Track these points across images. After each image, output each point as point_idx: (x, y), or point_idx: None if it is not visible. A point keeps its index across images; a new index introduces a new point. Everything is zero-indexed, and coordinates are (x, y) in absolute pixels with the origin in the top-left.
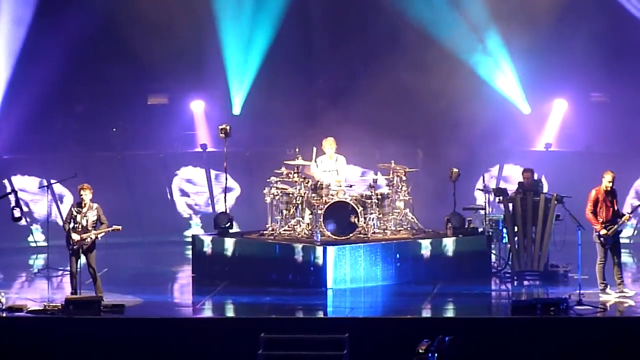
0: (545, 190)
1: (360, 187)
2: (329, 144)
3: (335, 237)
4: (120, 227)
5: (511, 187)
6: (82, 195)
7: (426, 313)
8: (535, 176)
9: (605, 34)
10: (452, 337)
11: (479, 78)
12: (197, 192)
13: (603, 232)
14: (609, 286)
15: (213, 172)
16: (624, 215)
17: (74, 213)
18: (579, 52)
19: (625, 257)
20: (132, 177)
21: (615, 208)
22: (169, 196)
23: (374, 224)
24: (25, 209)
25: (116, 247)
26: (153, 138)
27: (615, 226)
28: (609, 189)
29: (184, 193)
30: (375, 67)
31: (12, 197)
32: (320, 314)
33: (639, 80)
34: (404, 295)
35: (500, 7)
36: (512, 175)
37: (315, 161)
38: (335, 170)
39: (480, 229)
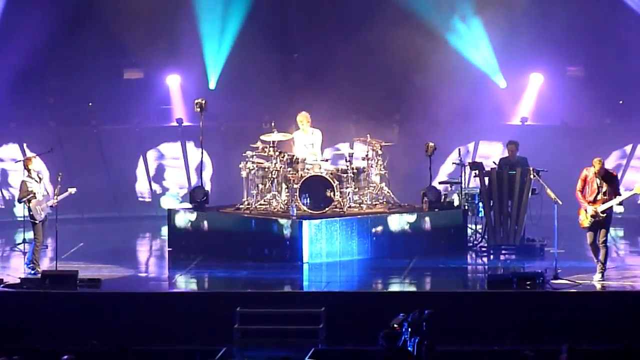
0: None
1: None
2: (302, 119)
3: (311, 212)
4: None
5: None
6: (31, 165)
7: (402, 287)
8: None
9: (582, 7)
10: (428, 311)
11: (454, 52)
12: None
13: (589, 209)
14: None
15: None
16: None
17: (34, 185)
18: (555, 25)
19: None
20: (107, 151)
21: (604, 190)
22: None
23: (349, 198)
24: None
25: (91, 222)
26: (129, 112)
27: (603, 206)
28: (597, 174)
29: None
30: (351, 42)
31: None
32: (297, 288)
33: (616, 54)
34: (379, 270)
35: None
36: (488, 149)
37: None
38: (312, 144)
39: (456, 203)
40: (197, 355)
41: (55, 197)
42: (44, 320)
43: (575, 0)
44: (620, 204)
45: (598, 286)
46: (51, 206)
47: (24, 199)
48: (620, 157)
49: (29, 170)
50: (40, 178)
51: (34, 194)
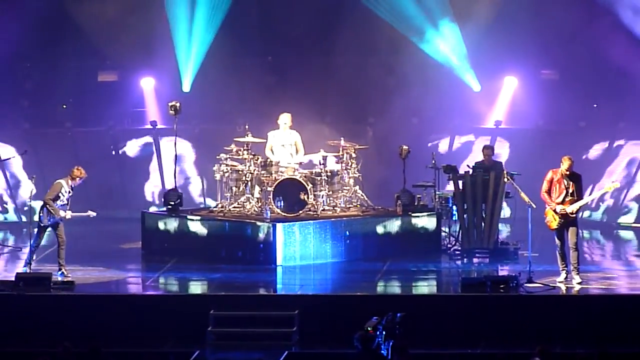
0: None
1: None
2: (285, 118)
3: (285, 214)
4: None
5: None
6: (78, 179)
7: (376, 290)
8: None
9: (555, 10)
10: (402, 314)
11: (428, 56)
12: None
13: (559, 208)
14: (565, 272)
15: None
16: (586, 197)
17: (64, 192)
18: (529, 29)
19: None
20: (81, 154)
21: (571, 190)
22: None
23: (323, 201)
24: None
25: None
26: (103, 115)
27: (573, 206)
28: (565, 174)
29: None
30: (326, 45)
31: None
32: (270, 291)
33: (590, 58)
34: (353, 273)
35: None
36: (462, 152)
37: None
38: (290, 145)
39: (430, 207)
40: (170, 358)
41: (69, 211)
42: (17, 322)
43: (549, 3)
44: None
45: (572, 289)
46: (61, 217)
47: (50, 199)
48: (594, 159)
49: (71, 179)
50: (70, 191)
51: (58, 198)
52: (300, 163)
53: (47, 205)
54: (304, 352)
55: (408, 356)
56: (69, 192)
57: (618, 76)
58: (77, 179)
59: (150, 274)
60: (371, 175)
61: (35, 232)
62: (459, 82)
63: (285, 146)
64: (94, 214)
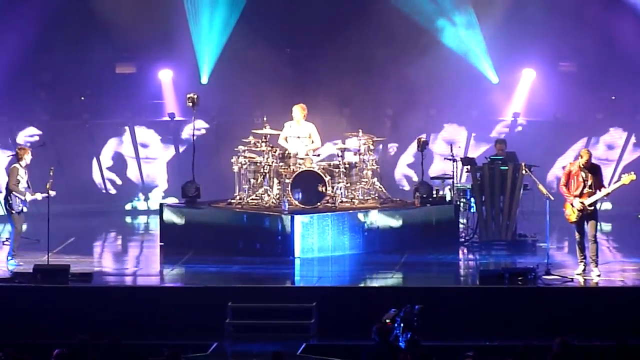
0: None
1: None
2: (298, 110)
3: (303, 206)
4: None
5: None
6: (27, 157)
7: (393, 282)
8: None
9: (573, 2)
10: (420, 306)
11: (446, 47)
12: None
13: (576, 202)
14: (583, 264)
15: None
16: (603, 190)
17: (22, 175)
18: (548, 21)
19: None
20: (99, 146)
21: (589, 183)
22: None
23: (341, 193)
24: None
25: (83, 216)
26: (121, 107)
27: (590, 199)
28: (583, 166)
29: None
30: (344, 36)
31: None
32: (288, 283)
33: (607, 50)
34: (371, 265)
35: None
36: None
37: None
38: (305, 137)
39: (448, 198)
40: (188, 350)
41: (47, 190)
42: (35, 314)
43: None
44: (607, 195)
45: (590, 281)
46: (27, 200)
47: (14, 185)
48: (610, 152)
49: (21, 160)
50: (25, 171)
51: (19, 182)
52: (317, 154)
53: (13, 192)
54: (321, 344)
55: (420, 349)
56: (26, 172)
57: (636, 68)
58: (25, 157)
59: (168, 266)
60: (389, 167)
61: (10, 222)
62: (477, 74)
63: (301, 138)
64: (54, 193)
